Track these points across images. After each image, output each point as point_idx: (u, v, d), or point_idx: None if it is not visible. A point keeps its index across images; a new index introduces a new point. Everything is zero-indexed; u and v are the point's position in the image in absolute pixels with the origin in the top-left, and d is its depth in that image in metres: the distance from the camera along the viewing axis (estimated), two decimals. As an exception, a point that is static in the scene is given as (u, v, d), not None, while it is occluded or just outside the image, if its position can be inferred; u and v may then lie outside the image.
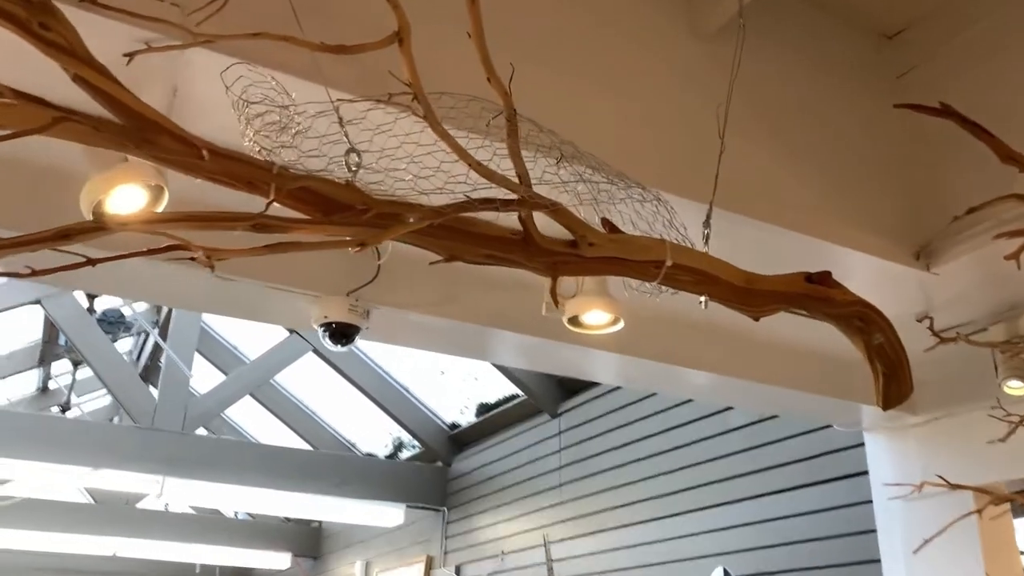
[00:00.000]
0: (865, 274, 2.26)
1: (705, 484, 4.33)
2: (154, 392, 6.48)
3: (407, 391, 7.03)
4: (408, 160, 1.31)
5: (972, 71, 2.25)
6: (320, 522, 9.71)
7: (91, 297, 6.50)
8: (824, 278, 1.69)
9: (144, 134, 1.21)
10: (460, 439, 7.02)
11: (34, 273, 1.20)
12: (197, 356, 7.01)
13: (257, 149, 1.33)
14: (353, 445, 8.39)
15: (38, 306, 6.04)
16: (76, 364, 7.90)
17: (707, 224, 1.68)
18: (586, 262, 1.52)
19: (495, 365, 5.60)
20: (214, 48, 1.40)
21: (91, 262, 1.22)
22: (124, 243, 1.29)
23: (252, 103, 1.32)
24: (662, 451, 4.69)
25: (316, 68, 1.41)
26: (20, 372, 8.40)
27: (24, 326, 7.35)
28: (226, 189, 1.29)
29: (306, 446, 8.35)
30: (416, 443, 7.43)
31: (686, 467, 4.49)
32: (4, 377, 8.12)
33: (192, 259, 1.14)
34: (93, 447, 5.84)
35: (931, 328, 2.42)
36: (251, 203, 1.28)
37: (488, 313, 2.36)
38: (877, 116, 2.37)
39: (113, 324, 6.85)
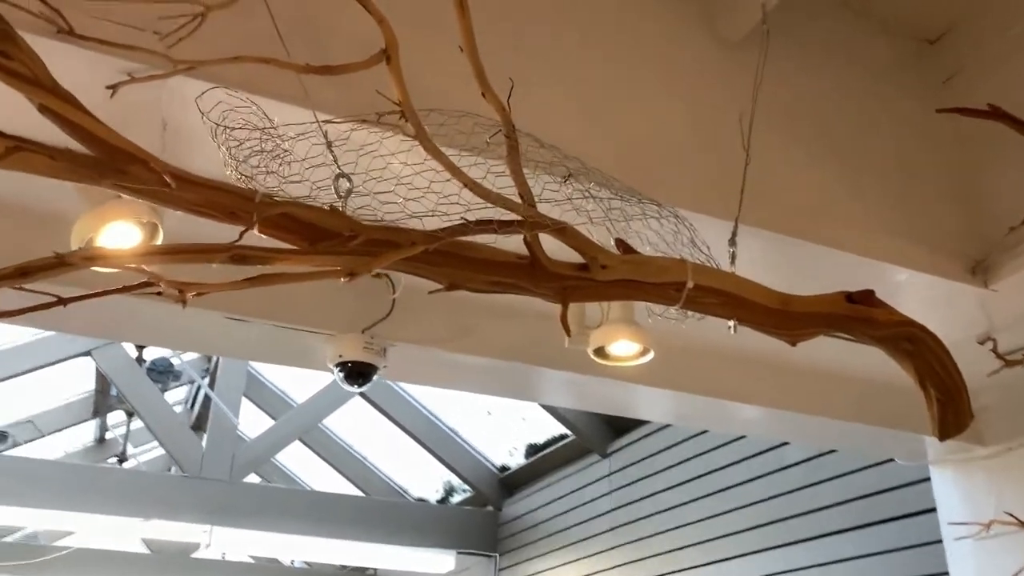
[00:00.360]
0: (916, 293, 2.09)
1: (763, 524, 4.11)
2: (204, 440, 6.49)
3: (455, 434, 6.92)
4: (396, 182, 1.22)
5: (1020, 71, 2.08)
6: (376, 570, 9.58)
7: (140, 347, 6.56)
8: (867, 297, 1.55)
9: (115, 164, 1.15)
10: (510, 482, 6.86)
11: None
12: (246, 402, 7.02)
13: (239, 177, 1.26)
14: (405, 490, 8.28)
15: (88, 358, 6.11)
16: (130, 415, 7.97)
17: (733, 242, 1.56)
18: (599, 286, 1.40)
19: (541, 404, 5.46)
20: (197, 75, 1.34)
21: (62, 301, 1.15)
22: (111, 280, 1.22)
23: (233, 129, 1.25)
24: (716, 490, 4.49)
25: (301, 90, 1.33)
26: (78, 423, 8.51)
27: (78, 378, 7.46)
28: (229, 226, 1.22)
29: (356, 491, 8.27)
30: (466, 487, 7.29)
31: (743, 507, 4.28)
32: (61, 429, 8.23)
33: (158, 294, 1.05)
34: (143, 497, 5.85)
35: (994, 350, 2.26)
36: (246, 238, 1.20)
37: (515, 347, 2.24)
38: (922, 123, 2.22)
39: (162, 373, 6.90)
